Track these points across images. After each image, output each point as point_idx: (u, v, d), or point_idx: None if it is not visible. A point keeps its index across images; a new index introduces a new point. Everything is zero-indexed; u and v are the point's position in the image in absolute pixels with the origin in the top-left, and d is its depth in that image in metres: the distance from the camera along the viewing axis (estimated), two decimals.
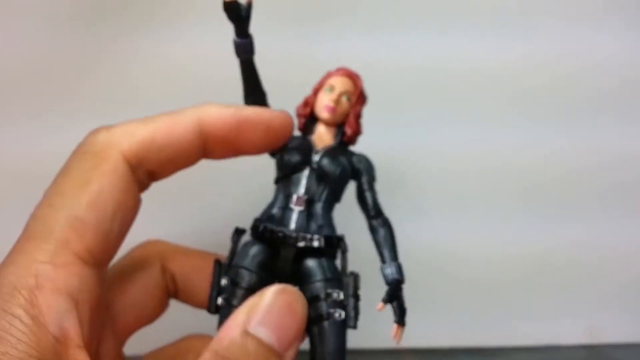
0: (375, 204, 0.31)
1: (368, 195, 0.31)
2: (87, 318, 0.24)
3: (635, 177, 0.47)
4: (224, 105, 0.29)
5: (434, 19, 0.44)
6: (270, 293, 0.26)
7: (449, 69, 0.44)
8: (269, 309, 0.25)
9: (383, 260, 0.30)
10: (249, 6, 0.30)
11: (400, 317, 0.29)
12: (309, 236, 0.29)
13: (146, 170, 0.28)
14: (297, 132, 0.32)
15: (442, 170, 0.45)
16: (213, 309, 0.29)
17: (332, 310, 0.28)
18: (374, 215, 0.31)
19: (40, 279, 0.23)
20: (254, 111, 0.29)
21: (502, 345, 0.47)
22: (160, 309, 0.33)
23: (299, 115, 0.33)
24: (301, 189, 0.30)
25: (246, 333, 0.24)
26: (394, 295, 0.29)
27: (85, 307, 0.24)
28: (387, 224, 0.31)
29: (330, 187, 0.31)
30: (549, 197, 0.46)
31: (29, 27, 0.42)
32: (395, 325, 0.29)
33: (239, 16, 0.30)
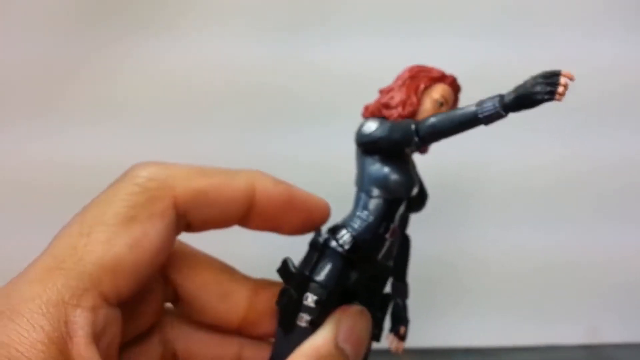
0: (407, 226, 0.31)
1: (408, 217, 0.30)
2: (105, 356, 0.23)
3: (636, 182, 0.47)
4: (277, 180, 0.28)
5: (433, 24, 0.44)
6: (354, 314, 0.27)
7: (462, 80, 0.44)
8: (353, 329, 0.26)
9: (397, 279, 0.30)
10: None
11: (405, 334, 0.30)
12: (388, 264, 0.29)
13: (187, 222, 0.26)
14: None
15: (443, 174, 0.45)
16: (290, 328, 0.27)
17: (376, 332, 0.29)
18: (402, 231, 0.30)
19: (70, 326, 0.21)
20: (303, 194, 0.28)
21: (502, 346, 0.47)
22: (155, 319, 0.29)
23: (398, 116, 0.28)
24: (396, 220, 0.28)
25: (339, 348, 0.26)
26: (403, 316, 0.30)
27: (106, 348, 0.23)
28: (409, 244, 0.30)
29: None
30: (550, 201, 0.47)
31: (21, 33, 0.42)
32: (391, 336, 0.30)
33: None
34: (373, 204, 0.28)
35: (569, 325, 0.47)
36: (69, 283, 0.22)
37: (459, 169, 0.46)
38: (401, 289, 0.30)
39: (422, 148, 0.29)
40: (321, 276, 0.27)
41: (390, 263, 0.29)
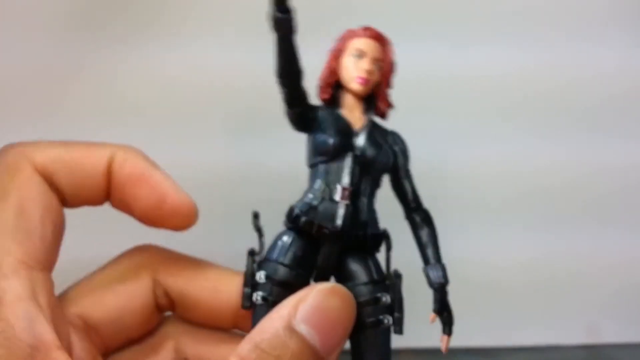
0: (415, 195, 0.29)
1: (407, 184, 0.29)
2: (52, 320, 0.23)
3: (635, 187, 0.47)
4: (142, 157, 0.28)
5: (436, 31, 0.44)
6: (320, 291, 0.24)
7: (451, 79, 0.45)
8: (317, 308, 0.24)
9: (427, 262, 0.28)
10: None
11: (450, 327, 0.28)
12: (355, 233, 0.27)
13: (56, 189, 0.27)
14: (317, 101, 0.30)
15: (444, 179, 0.45)
16: (247, 304, 0.27)
17: (381, 317, 0.26)
18: (415, 207, 0.29)
19: None
20: (161, 177, 0.28)
21: (502, 346, 0.47)
22: (147, 326, 0.29)
23: (325, 85, 0.29)
24: (345, 179, 0.27)
25: (290, 328, 0.23)
26: (443, 302, 0.28)
27: (47, 308, 0.23)
28: (429, 219, 0.28)
29: (373, 176, 0.28)
30: (551, 203, 0.47)
31: (17, 38, 0.42)
32: (444, 337, 0.28)
33: None
34: (315, 172, 0.28)
35: (569, 326, 0.47)
36: None
37: (460, 171, 0.46)
38: (429, 272, 0.28)
39: (378, 109, 0.29)
40: (272, 253, 0.27)
41: (368, 231, 0.27)
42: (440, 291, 0.28)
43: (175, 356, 0.29)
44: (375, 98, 0.29)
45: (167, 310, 0.30)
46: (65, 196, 0.27)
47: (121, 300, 0.28)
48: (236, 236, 0.30)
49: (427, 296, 0.42)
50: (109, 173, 0.27)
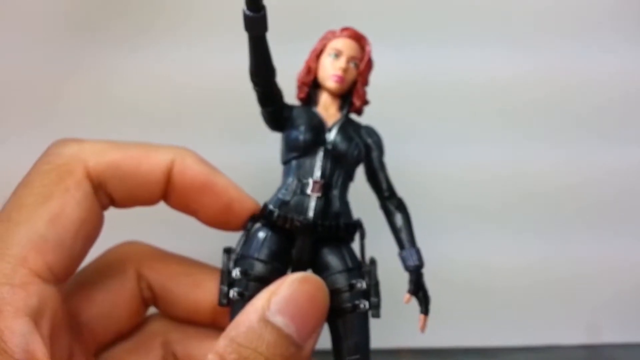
0: (388, 184, 0.30)
1: (381, 175, 0.30)
2: (49, 332, 0.23)
3: (634, 190, 0.47)
4: (202, 161, 0.28)
5: (434, 35, 0.44)
6: (292, 281, 0.25)
7: (450, 83, 0.44)
8: (290, 298, 0.24)
9: (402, 246, 0.29)
10: None
11: (427, 306, 0.28)
12: (328, 224, 0.27)
13: (107, 194, 0.26)
14: (295, 101, 0.30)
15: (444, 183, 0.45)
16: (224, 301, 0.27)
17: (357, 302, 0.27)
18: (389, 196, 0.29)
19: None
20: (226, 182, 0.28)
21: (502, 346, 0.47)
22: (135, 319, 0.30)
23: (302, 84, 0.30)
24: (317, 173, 0.28)
25: (265, 320, 0.23)
26: (418, 283, 0.28)
27: (47, 325, 0.23)
28: (402, 206, 0.29)
29: (345, 169, 0.29)
30: (551, 208, 0.47)
31: (14, 40, 0.42)
32: (421, 316, 0.28)
33: None
34: (288, 167, 0.29)
35: (568, 325, 0.47)
36: None
37: (462, 175, 0.46)
38: (405, 255, 0.28)
39: (354, 107, 0.30)
40: (246, 249, 0.28)
41: (340, 222, 0.28)
42: (415, 273, 0.28)
43: (163, 353, 0.29)
44: (351, 95, 0.30)
45: (151, 304, 0.30)
46: (115, 200, 0.27)
47: (110, 295, 0.28)
48: (234, 238, 0.30)
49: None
50: (167, 179, 0.27)
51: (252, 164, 0.41)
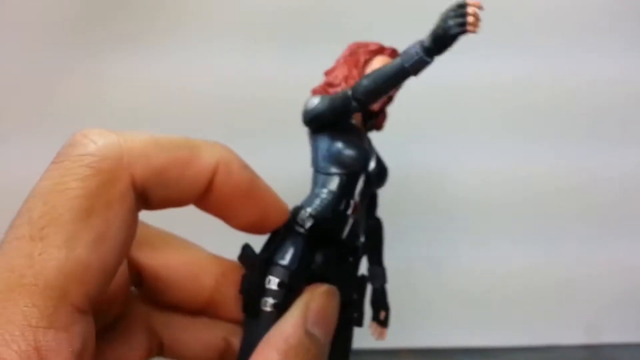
0: (376, 204, 0.30)
1: (376, 197, 0.30)
2: None
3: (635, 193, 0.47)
4: (246, 166, 0.25)
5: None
6: (322, 294, 0.26)
7: (449, 88, 0.45)
8: (322, 309, 0.25)
9: (373, 263, 0.30)
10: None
11: (387, 318, 0.30)
12: (353, 244, 0.28)
13: (145, 201, 0.23)
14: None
15: (444, 185, 0.45)
16: (255, 313, 0.26)
17: (355, 314, 0.28)
18: (373, 215, 0.30)
19: (42, 352, 0.18)
20: (266, 189, 0.26)
21: (501, 346, 0.47)
22: (124, 307, 0.26)
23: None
24: (356, 196, 0.28)
25: (309, 333, 0.24)
26: (383, 301, 0.29)
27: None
28: (381, 227, 0.30)
29: (370, 193, 0.29)
30: (550, 211, 0.47)
31: (8, 43, 0.42)
32: (374, 324, 0.30)
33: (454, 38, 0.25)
34: (330, 181, 0.28)
35: (568, 325, 0.47)
36: (33, 302, 0.18)
37: (462, 177, 0.46)
38: (378, 272, 0.30)
39: (377, 123, 0.30)
40: (283, 258, 0.26)
41: (359, 243, 0.28)
42: (380, 291, 0.30)
43: (148, 340, 0.27)
44: (375, 112, 0.30)
45: (132, 286, 0.27)
46: (151, 204, 0.23)
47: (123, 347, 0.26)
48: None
49: (426, 295, 0.42)
50: (209, 184, 0.24)
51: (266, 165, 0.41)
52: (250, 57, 0.39)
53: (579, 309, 0.48)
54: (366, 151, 0.28)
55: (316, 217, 0.27)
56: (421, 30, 0.41)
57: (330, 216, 0.27)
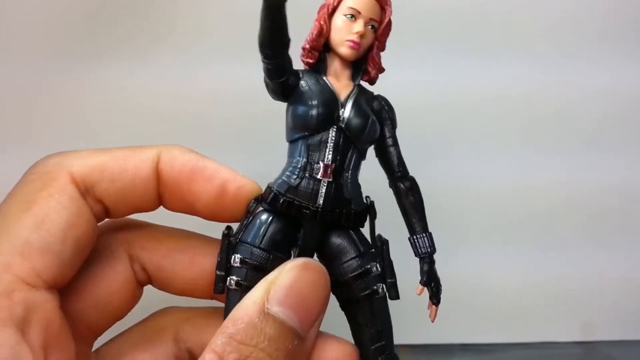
0: (400, 162, 0.27)
1: (393, 151, 0.27)
2: (42, 342, 0.22)
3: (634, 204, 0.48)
4: (189, 150, 0.26)
5: (435, 53, 0.45)
6: (291, 269, 0.23)
7: (449, 99, 0.45)
8: (290, 286, 0.23)
9: (413, 231, 0.26)
10: None
11: (438, 296, 0.26)
12: (338, 212, 0.25)
13: (97, 200, 0.25)
14: (300, 65, 0.27)
15: (445, 195, 0.46)
16: (219, 289, 0.25)
17: (375, 287, 0.25)
18: (400, 175, 0.27)
19: None
20: (216, 166, 0.26)
21: (497, 342, 0.47)
22: (131, 302, 0.28)
23: (311, 48, 0.26)
24: (328, 155, 0.25)
25: (265, 314, 0.22)
26: (430, 272, 0.26)
27: (38, 334, 0.22)
28: (415, 188, 0.27)
29: (359, 148, 0.26)
30: (550, 221, 0.47)
31: (4, 55, 0.41)
32: (433, 307, 0.26)
33: None
34: (294, 148, 0.26)
35: (563, 323, 0.48)
36: None
37: (464, 187, 0.46)
38: (418, 242, 0.26)
39: (368, 76, 0.27)
40: (247, 236, 0.25)
41: (355, 207, 0.26)
42: (427, 261, 0.26)
43: (175, 347, 0.28)
44: (365, 62, 0.27)
45: (146, 284, 0.28)
46: (108, 206, 0.25)
47: (102, 283, 0.27)
48: None
49: (425, 293, 0.42)
50: (157, 174, 0.25)
51: (252, 176, 0.42)
52: (239, 67, 0.39)
53: (574, 307, 0.48)
54: (330, 103, 0.25)
55: (279, 187, 0.25)
56: (428, 45, 0.40)
57: (293, 185, 0.25)
